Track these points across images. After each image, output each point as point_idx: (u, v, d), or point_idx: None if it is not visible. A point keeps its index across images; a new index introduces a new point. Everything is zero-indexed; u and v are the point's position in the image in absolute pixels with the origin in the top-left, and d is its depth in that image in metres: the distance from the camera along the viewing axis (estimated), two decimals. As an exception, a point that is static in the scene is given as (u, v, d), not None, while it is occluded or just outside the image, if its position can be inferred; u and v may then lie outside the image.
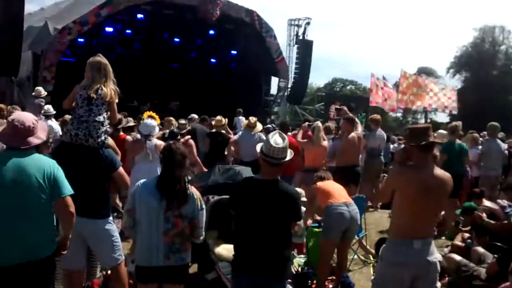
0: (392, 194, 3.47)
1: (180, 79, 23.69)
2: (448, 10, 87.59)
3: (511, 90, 44.76)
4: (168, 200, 3.32)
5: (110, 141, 4.19)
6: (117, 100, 4.17)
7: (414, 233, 3.30)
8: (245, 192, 3.49)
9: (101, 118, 3.94)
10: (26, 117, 3.14)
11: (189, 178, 3.53)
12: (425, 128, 3.44)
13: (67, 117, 6.74)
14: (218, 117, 8.85)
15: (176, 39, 22.26)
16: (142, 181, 3.50)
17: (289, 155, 3.49)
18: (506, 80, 44.16)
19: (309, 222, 5.88)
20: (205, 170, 6.76)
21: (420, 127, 3.53)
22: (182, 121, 7.93)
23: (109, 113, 4.12)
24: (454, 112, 18.83)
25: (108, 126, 4.10)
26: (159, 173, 3.63)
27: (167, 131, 7.10)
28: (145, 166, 5.78)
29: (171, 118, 8.00)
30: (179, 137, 6.94)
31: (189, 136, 7.43)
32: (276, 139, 3.43)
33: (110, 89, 4.05)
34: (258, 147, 3.53)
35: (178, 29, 21.13)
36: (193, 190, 3.48)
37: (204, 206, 3.53)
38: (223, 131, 8.79)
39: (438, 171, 3.39)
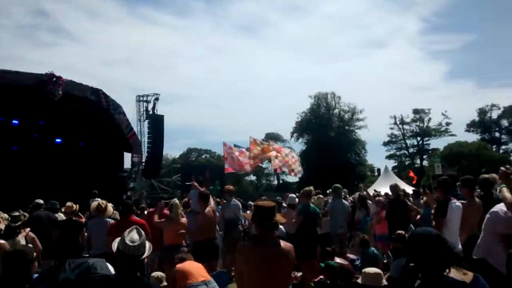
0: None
1: (21, 162, 21.77)
2: (287, 80, 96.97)
3: (348, 148, 50.45)
4: None
5: None
6: None
7: None
8: None
9: None
10: None
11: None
12: (270, 208, 3.60)
13: None
14: (68, 203, 8.11)
15: (15, 121, 20.60)
16: None
17: (148, 250, 3.43)
18: (342, 140, 49.78)
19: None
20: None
21: (265, 207, 3.64)
22: (15, 213, 7.12)
23: None
24: (299, 175, 20.37)
25: None
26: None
27: (2, 227, 6.40)
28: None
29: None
30: (18, 230, 6.31)
31: (28, 229, 6.75)
32: (133, 236, 3.36)
33: None
34: (114, 245, 3.41)
35: (16, 110, 19.67)
36: None
37: None
38: (75, 218, 8.14)
39: (281, 244, 3.54)
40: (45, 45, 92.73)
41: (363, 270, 5.60)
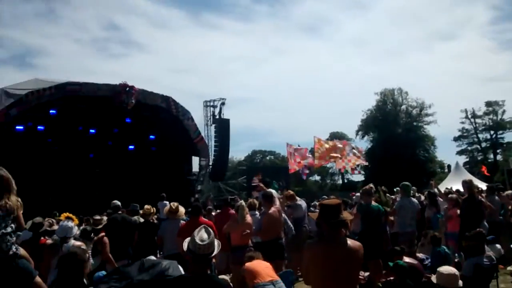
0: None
1: (97, 168, 23.21)
2: (350, 78, 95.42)
3: (416, 144, 48.64)
4: None
5: (21, 251, 4.09)
6: (21, 211, 4.11)
7: None
8: None
9: (8, 229, 3.88)
10: None
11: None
12: (336, 205, 3.53)
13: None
14: (147, 206, 8.60)
15: (92, 130, 22.01)
16: None
17: (217, 248, 3.56)
18: (410, 136, 48.04)
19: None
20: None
21: (330, 205, 3.53)
22: (97, 217, 7.68)
23: (15, 224, 4.05)
24: (363, 171, 19.96)
25: (15, 237, 4.04)
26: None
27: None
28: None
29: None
30: (92, 235, 6.75)
31: (103, 234, 7.22)
32: (202, 235, 3.50)
33: (14, 202, 4.00)
34: (185, 245, 3.56)
35: (93, 120, 21.03)
36: None
37: None
38: (152, 220, 8.54)
39: (349, 242, 3.48)
40: (116, 57, 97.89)
41: (438, 269, 5.45)
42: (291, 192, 9.85)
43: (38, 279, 3.96)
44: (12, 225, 3.96)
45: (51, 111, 18.62)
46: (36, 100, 16.00)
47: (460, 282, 5.23)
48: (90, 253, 6.49)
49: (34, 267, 4.41)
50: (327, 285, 3.40)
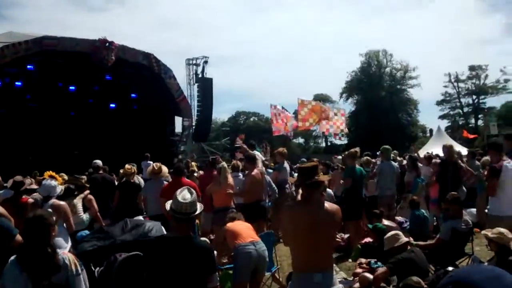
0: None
1: (79, 127, 22.87)
2: (336, 38, 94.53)
3: (399, 108, 48.96)
4: (29, 271, 3.09)
5: (0, 209, 4.00)
6: None
7: (312, 266, 3.37)
8: (158, 253, 3.44)
9: None
10: None
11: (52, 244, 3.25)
12: (312, 167, 3.61)
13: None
14: (127, 165, 8.39)
15: (71, 87, 21.52)
16: (12, 257, 3.22)
17: (199, 208, 3.56)
18: (394, 99, 48.27)
19: (225, 261, 5.97)
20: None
21: (307, 167, 3.62)
22: (79, 176, 7.58)
23: None
24: (345, 137, 20.12)
25: None
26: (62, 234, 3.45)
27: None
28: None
29: (63, 174, 7.65)
30: (76, 193, 6.70)
31: (88, 191, 7.16)
32: (184, 194, 3.49)
33: None
34: (167, 205, 3.55)
35: (72, 76, 20.51)
36: (65, 255, 3.26)
37: (80, 271, 3.28)
38: (133, 180, 8.36)
39: (326, 205, 3.55)
40: (95, 10, 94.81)
41: (384, 237, 5.60)
42: (285, 150, 9.79)
43: (18, 237, 3.90)
44: None
45: (28, 66, 18.13)
46: (13, 55, 15.48)
47: (403, 239, 5.38)
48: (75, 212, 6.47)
49: (15, 225, 4.36)
50: (303, 245, 3.45)
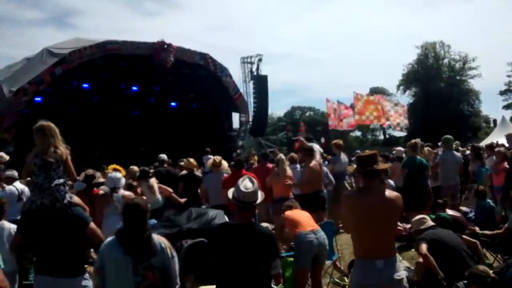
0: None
1: (143, 125, 23.91)
2: (390, 31, 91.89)
3: (460, 99, 46.95)
4: (133, 253, 3.29)
5: (75, 198, 4.28)
6: (70, 157, 4.18)
7: (374, 253, 3.39)
8: (223, 239, 3.59)
9: (61, 180, 3.99)
10: None
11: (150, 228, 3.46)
12: (370, 156, 3.63)
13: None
14: (190, 159, 8.88)
15: (134, 88, 22.64)
16: (108, 239, 3.45)
17: (260, 197, 3.67)
18: (453, 90, 46.33)
19: (285, 247, 6.08)
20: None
21: (365, 155, 3.65)
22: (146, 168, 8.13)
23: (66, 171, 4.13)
24: (405, 129, 19.59)
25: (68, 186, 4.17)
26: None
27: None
28: (115, 218, 5.70)
29: (133, 166, 8.14)
30: (150, 175, 7.17)
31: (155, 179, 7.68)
32: (246, 184, 3.61)
33: (62, 149, 4.08)
34: (230, 194, 3.69)
35: (135, 78, 21.54)
36: (161, 240, 3.45)
37: (175, 254, 3.48)
38: (196, 173, 8.83)
39: (386, 192, 3.55)
40: (150, 15, 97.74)
41: (412, 220, 5.58)
42: (340, 142, 9.85)
43: (92, 225, 4.09)
44: (64, 175, 4.06)
45: (94, 70, 19.09)
46: (79, 59, 16.37)
47: (429, 223, 5.40)
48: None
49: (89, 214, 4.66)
50: (364, 233, 3.48)
